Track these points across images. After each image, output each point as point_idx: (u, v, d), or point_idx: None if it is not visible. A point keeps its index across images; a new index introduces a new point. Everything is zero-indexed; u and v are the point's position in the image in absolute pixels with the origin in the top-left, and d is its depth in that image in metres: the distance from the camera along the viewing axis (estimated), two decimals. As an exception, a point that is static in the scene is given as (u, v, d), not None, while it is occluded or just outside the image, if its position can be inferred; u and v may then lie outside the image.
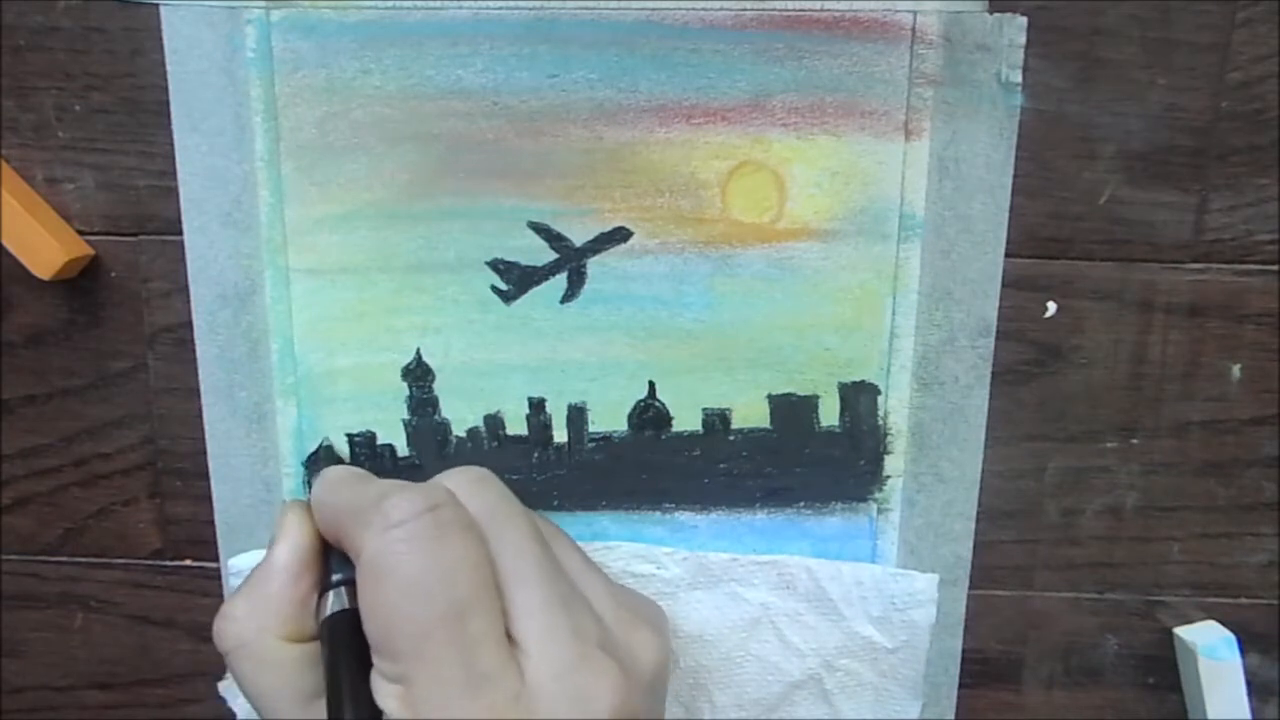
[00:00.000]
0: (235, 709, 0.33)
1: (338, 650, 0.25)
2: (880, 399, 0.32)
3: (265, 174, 0.30)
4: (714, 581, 0.33)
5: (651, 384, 0.32)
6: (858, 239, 0.30)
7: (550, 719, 0.23)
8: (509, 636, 0.24)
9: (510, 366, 0.32)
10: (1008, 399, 0.32)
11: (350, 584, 0.26)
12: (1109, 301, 0.31)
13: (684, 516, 0.33)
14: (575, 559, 0.28)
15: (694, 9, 0.29)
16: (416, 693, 0.23)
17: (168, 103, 0.30)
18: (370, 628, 0.24)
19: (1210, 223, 0.31)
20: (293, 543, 0.27)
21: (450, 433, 0.32)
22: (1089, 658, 0.34)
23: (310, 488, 0.32)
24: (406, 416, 0.32)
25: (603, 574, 0.28)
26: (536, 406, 0.32)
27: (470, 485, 0.26)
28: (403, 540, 0.23)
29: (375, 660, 0.24)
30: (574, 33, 0.29)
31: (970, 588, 0.33)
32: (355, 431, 0.32)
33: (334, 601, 0.26)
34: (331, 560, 0.27)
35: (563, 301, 0.31)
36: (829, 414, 0.32)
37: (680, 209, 0.30)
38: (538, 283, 0.31)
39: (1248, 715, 0.33)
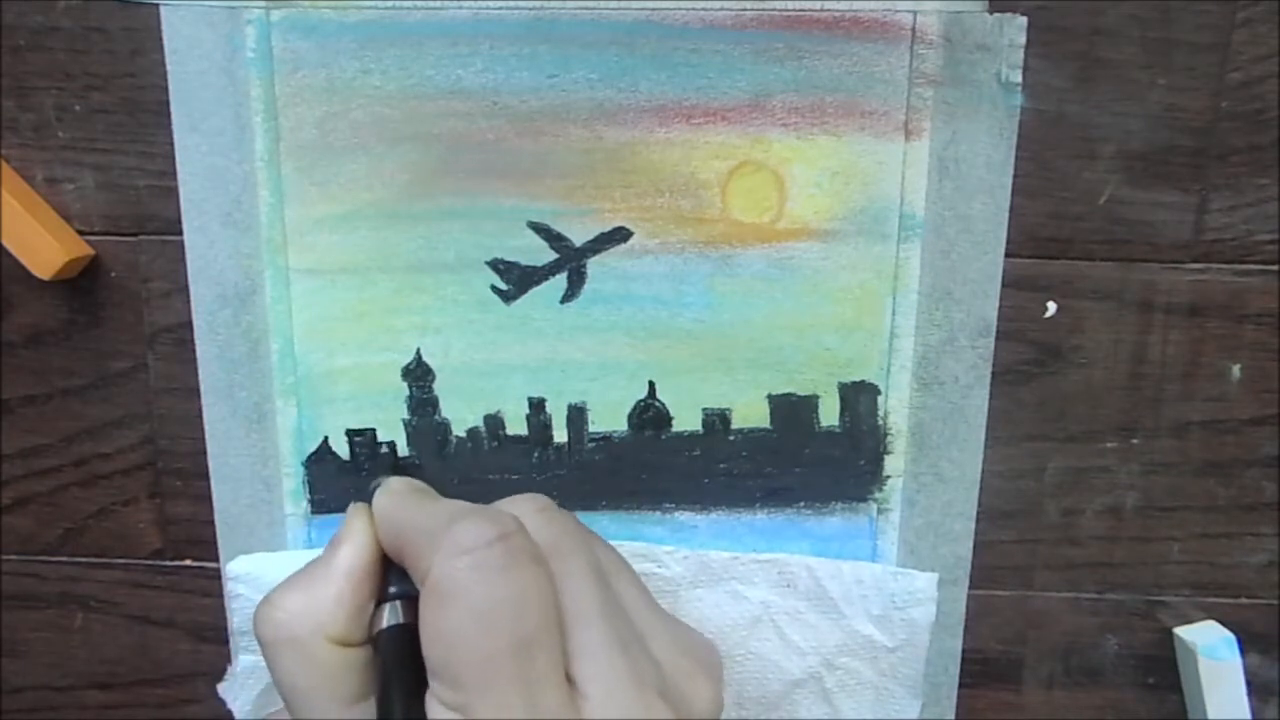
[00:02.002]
0: (234, 709, 0.33)
1: (392, 666, 0.25)
2: (880, 399, 0.32)
3: (265, 174, 0.30)
4: (715, 580, 0.33)
5: (651, 384, 0.32)
6: (858, 239, 0.30)
7: None
8: (567, 674, 0.24)
9: (510, 366, 0.32)
10: (1008, 399, 0.32)
11: (407, 599, 0.26)
12: (1109, 301, 0.31)
13: (684, 516, 0.33)
14: (636, 596, 0.27)
15: (694, 9, 0.29)
16: None
17: (168, 103, 0.30)
18: (431, 653, 0.23)
19: (1210, 223, 0.31)
20: (358, 548, 0.26)
21: (450, 433, 0.32)
22: (1089, 658, 0.34)
23: (310, 489, 0.32)
24: (406, 416, 0.32)
25: (662, 612, 0.28)
26: (536, 406, 0.32)
27: (536, 515, 0.26)
28: (473, 568, 0.23)
29: (433, 684, 0.23)
30: (574, 33, 0.29)
31: (970, 588, 0.33)
32: (355, 429, 0.32)
33: (390, 615, 0.26)
34: (389, 572, 0.27)
35: (563, 301, 0.31)
36: (829, 414, 0.32)
37: (680, 209, 0.30)
38: (538, 283, 0.31)
39: (1248, 715, 0.33)
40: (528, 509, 0.26)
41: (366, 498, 0.28)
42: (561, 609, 0.24)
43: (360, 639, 0.26)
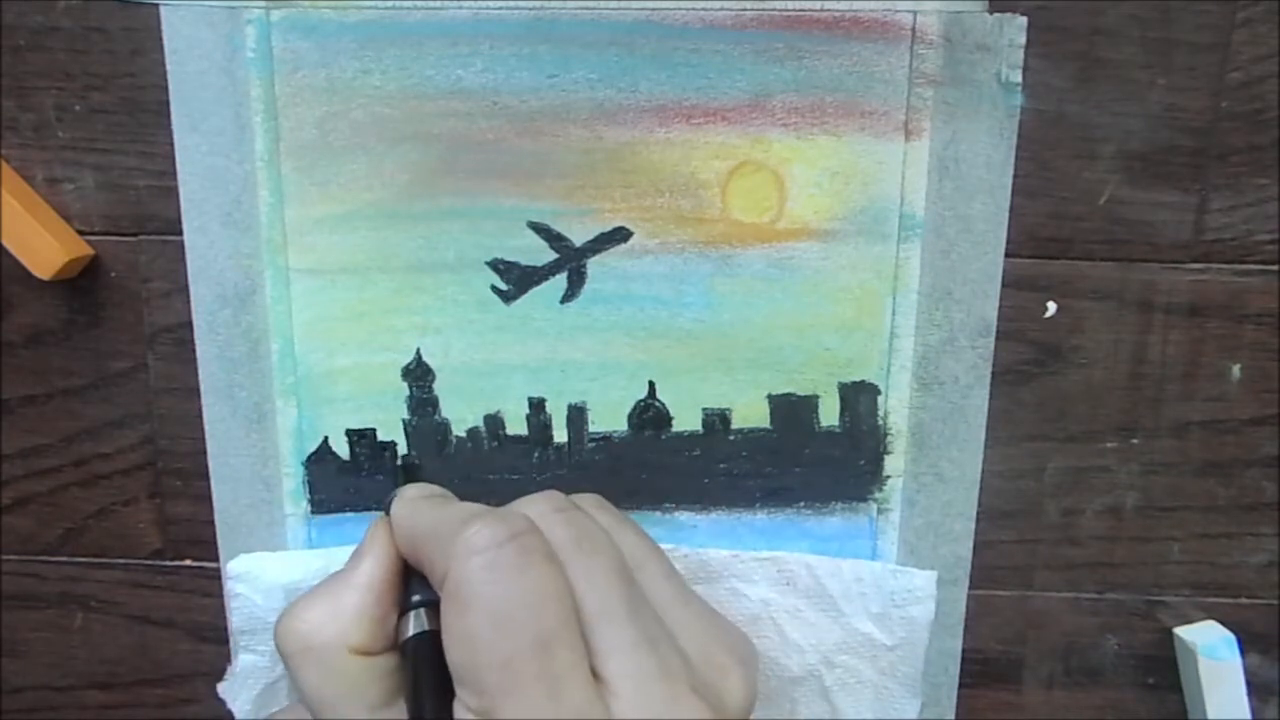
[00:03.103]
0: (234, 709, 0.33)
1: (420, 673, 0.25)
2: (880, 399, 0.32)
3: (265, 174, 0.30)
4: (714, 578, 0.33)
5: (651, 384, 0.32)
6: (858, 239, 0.30)
7: None
8: (594, 673, 0.23)
9: (510, 366, 0.32)
10: (1008, 399, 0.32)
11: (430, 605, 0.26)
12: (1109, 301, 0.31)
13: (684, 516, 0.33)
14: (667, 589, 0.27)
15: (694, 9, 0.29)
16: None
17: (168, 103, 0.30)
18: (453, 656, 0.23)
19: (1210, 223, 0.31)
20: (378, 561, 0.27)
21: (450, 433, 0.32)
22: (1089, 658, 0.34)
23: (310, 489, 0.33)
24: (406, 416, 0.32)
25: (694, 603, 0.27)
26: (536, 406, 0.32)
27: (553, 515, 0.26)
28: (486, 568, 0.23)
29: (458, 690, 0.23)
30: (574, 33, 0.29)
31: (970, 588, 0.33)
32: (355, 429, 0.32)
33: (414, 623, 0.26)
34: (412, 581, 0.27)
35: (563, 301, 0.31)
36: (829, 414, 0.32)
37: (680, 209, 0.30)
38: (538, 283, 0.31)
39: (1248, 715, 0.33)
40: (544, 509, 0.26)
41: (387, 509, 0.28)
42: (583, 605, 0.24)
43: (381, 648, 0.26)
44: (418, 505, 0.27)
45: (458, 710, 0.23)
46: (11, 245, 0.30)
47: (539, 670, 0.22)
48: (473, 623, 0.23)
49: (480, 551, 0.23)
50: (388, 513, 0.28)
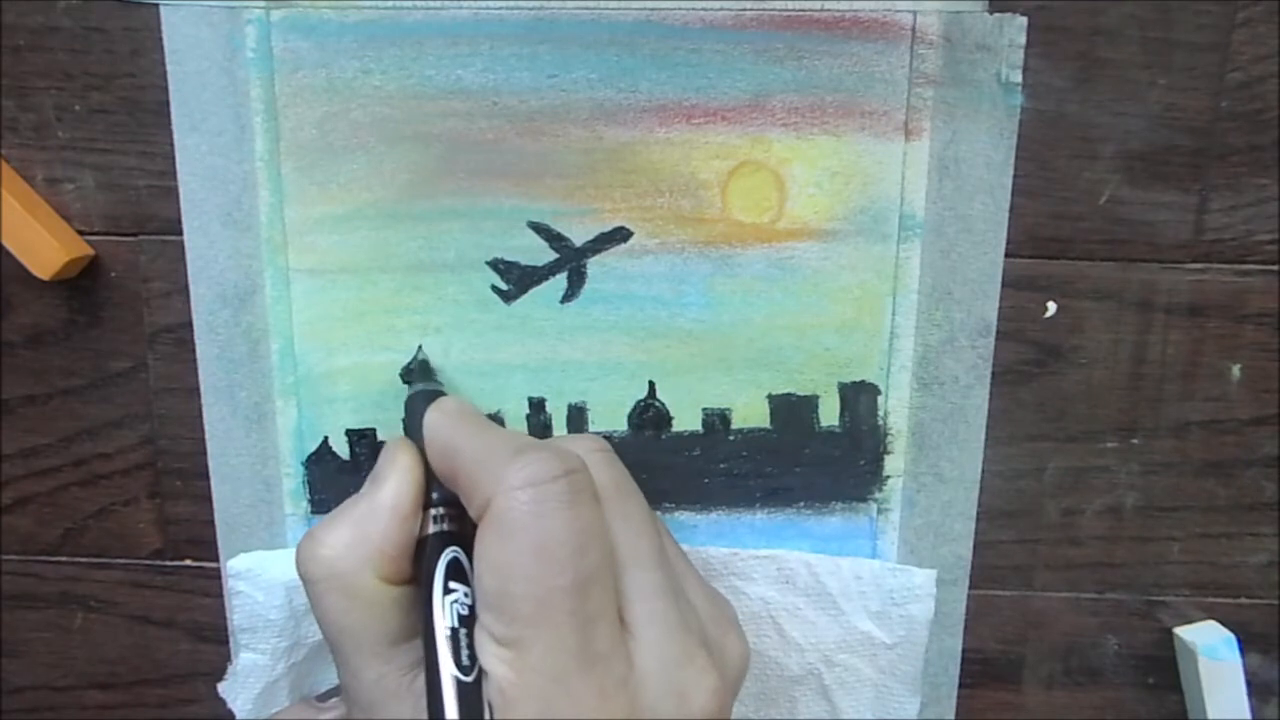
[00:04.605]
0: (235, 709, 0.33)
1: (436, 572, 0.25)
2: (880, 399, 0.32)
3: (265, 174, 0.30)
4: (714, 576, 0.33)
5: (651, 384, 0.32)
6: (858, 239, 0.30)
7: (651, 710, 0.23)
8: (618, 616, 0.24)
9: (510, 366, 0.32)
10: (1008, 399, 0.32)
11: (450, 506, 0.26)
12: (1109, 301, 0.31)
13: (684, 516, 0.33)
14: (674, 548, 0.27)
15: (694, 9, 0.29)
16: (528, 660, 0.22)
17: (168, 103, 0.30)
18: (486, 582, 0.23)
19: (1210, 223, 0.31)
20: (405, 485, 0.26)
21: (450, 433, 0.32)
22: (1089, 658, 0.34)
23: (310, 489, 0.33)
24: (407, 416, 0.32)
25: (693, 567, 0.28)
26: (536, 406, 0.32)
27: (595, 454, 0.26)
28: (539, 501, 0.23)
29: (481, 613, 0.23)
30: (574, 33, 0.29)
31: (970, 588, 0.33)
32: (355, 428, 0.32)
33: (435, 522, 0.26)
34: (432, 483, 0.26)
35: (563, 301, 0.31)
36: (829, 414, 0.32)
37: (680, 209, 0.30)
38: (538, 283, 0.31)
39: (1248, 715, 0.33)
40: (587, 447, 0.26)
41: (412, 411, 0.27)
42: (617, 550, 0.24)
43: (407, 577, 0.26)
44: (458, 421, 0.26)
45: (480, 640, 0.23)
46: (11, 245, 0.30)
47: (574, 609, 0.22)
48: (514, 554, 0.23)
49: (532, 484, 0.23)
50: (408, 415, 0.27)
